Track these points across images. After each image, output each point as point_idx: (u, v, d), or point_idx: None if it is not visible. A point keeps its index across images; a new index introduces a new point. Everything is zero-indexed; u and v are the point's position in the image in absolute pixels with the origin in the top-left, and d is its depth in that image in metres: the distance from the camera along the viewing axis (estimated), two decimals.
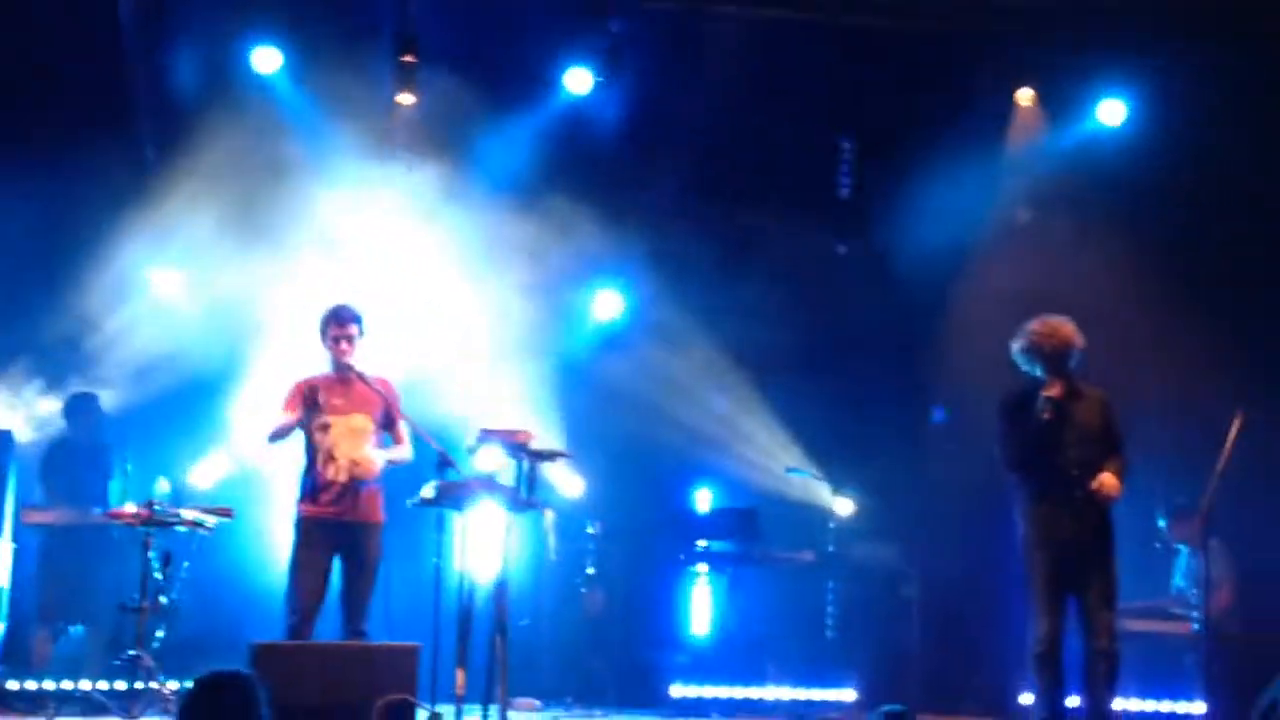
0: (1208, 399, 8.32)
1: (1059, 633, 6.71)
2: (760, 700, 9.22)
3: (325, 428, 7.10)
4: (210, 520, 7.50)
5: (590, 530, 9.67)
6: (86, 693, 7.38)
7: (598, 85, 9.92)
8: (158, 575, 7.36)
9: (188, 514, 7.41)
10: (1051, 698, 6.71)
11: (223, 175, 9.08)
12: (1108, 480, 6.70)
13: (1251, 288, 9.70)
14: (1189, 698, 8.51)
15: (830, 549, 9.66)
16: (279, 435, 7.17)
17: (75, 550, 8.59)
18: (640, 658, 9.52)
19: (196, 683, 4.13)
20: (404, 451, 7.28)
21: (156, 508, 7.26)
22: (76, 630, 8.77)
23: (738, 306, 10.04)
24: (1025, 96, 10.15)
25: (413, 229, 9.34)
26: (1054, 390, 6.77)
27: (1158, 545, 9.21)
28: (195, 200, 9.10)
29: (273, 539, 8.34)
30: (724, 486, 10.38)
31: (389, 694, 6.14)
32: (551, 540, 8.83)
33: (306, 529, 7.06)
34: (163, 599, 7.43)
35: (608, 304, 10.45)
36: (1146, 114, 10.03)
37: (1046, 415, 6.74)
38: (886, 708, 5.95)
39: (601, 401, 9.83)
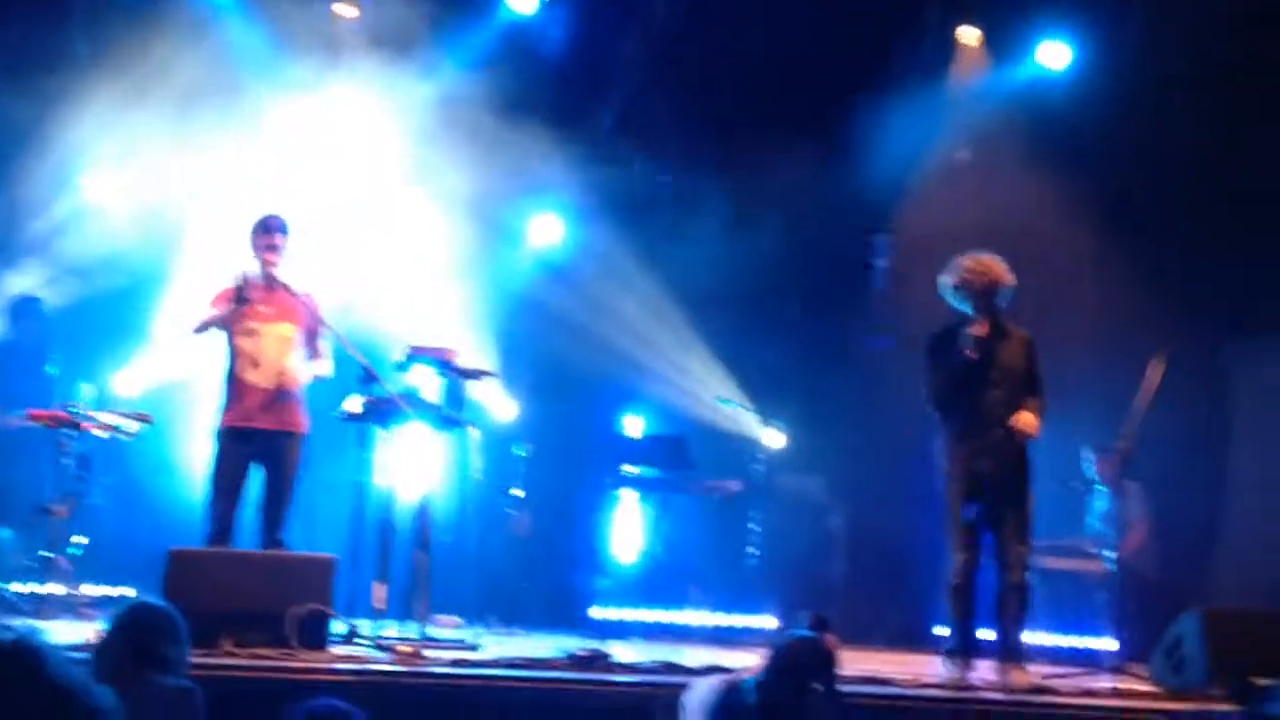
0: (1139, 342, 8.38)
1: (974, 566, 6.78)
2: (681, 624, 9.30)
3: (251, 333, 7.04)
4: (130, 425, 7.42)
5: (519, 452, 9.67)
6: None
7: (544, 4, 9.78)
8: (75, 478, 7.29)
9: (107, 418, 7.33)
10: (964, 629, 6.80)
11: (157, 77, 8.89)
12: (1026, 419, 6.72)
13: (1186, 235, 9.74)
14: (1099, 634, 8.65)
15: (758, 479, 9.72)
16: (205, 327, 7.08)
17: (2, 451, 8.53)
18: (565, 580, 9.55)
19: (116, 618, 3.97)
20: (325, 366, 7.23)
21: (74, 410, 7.18)
22: (4, 533, 8.70)
23: (676, 237, 10.00)
24: (970, 35, 10.11)
25: (350, 141, 9.22)
26: (980, 329, 6.79)
27: (1075, 484, 9.31)
28: (128, 101, 8.91)
29: (195, 448, 8.28)
30: (655, 413, 10.40)
31: (304, 604, 6.13)
32: (476, 459, 8.83)
33: (227, 438, 7.02)
34: (81, 503, 7.36)
35: (546, 229, 10.38)
36: (1092, 58, 10.03)
37: (971, 353, 6.75)
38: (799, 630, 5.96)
39: (535, 325, 9.78)
